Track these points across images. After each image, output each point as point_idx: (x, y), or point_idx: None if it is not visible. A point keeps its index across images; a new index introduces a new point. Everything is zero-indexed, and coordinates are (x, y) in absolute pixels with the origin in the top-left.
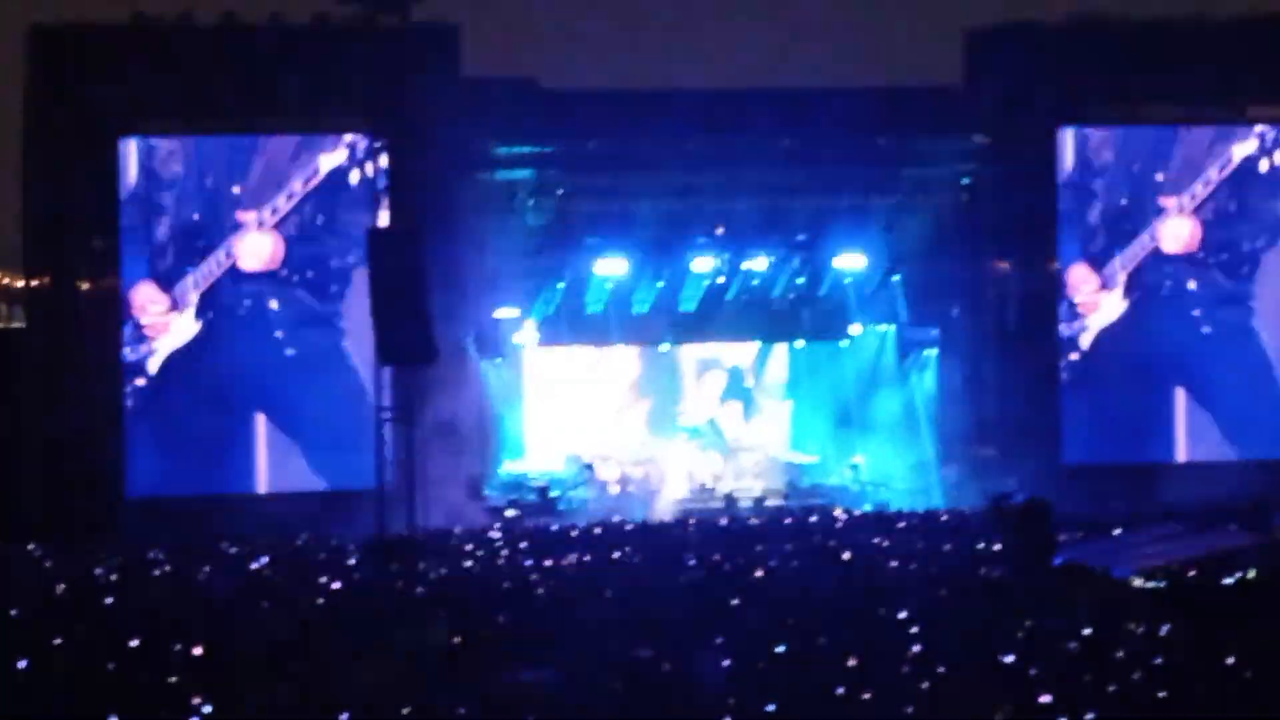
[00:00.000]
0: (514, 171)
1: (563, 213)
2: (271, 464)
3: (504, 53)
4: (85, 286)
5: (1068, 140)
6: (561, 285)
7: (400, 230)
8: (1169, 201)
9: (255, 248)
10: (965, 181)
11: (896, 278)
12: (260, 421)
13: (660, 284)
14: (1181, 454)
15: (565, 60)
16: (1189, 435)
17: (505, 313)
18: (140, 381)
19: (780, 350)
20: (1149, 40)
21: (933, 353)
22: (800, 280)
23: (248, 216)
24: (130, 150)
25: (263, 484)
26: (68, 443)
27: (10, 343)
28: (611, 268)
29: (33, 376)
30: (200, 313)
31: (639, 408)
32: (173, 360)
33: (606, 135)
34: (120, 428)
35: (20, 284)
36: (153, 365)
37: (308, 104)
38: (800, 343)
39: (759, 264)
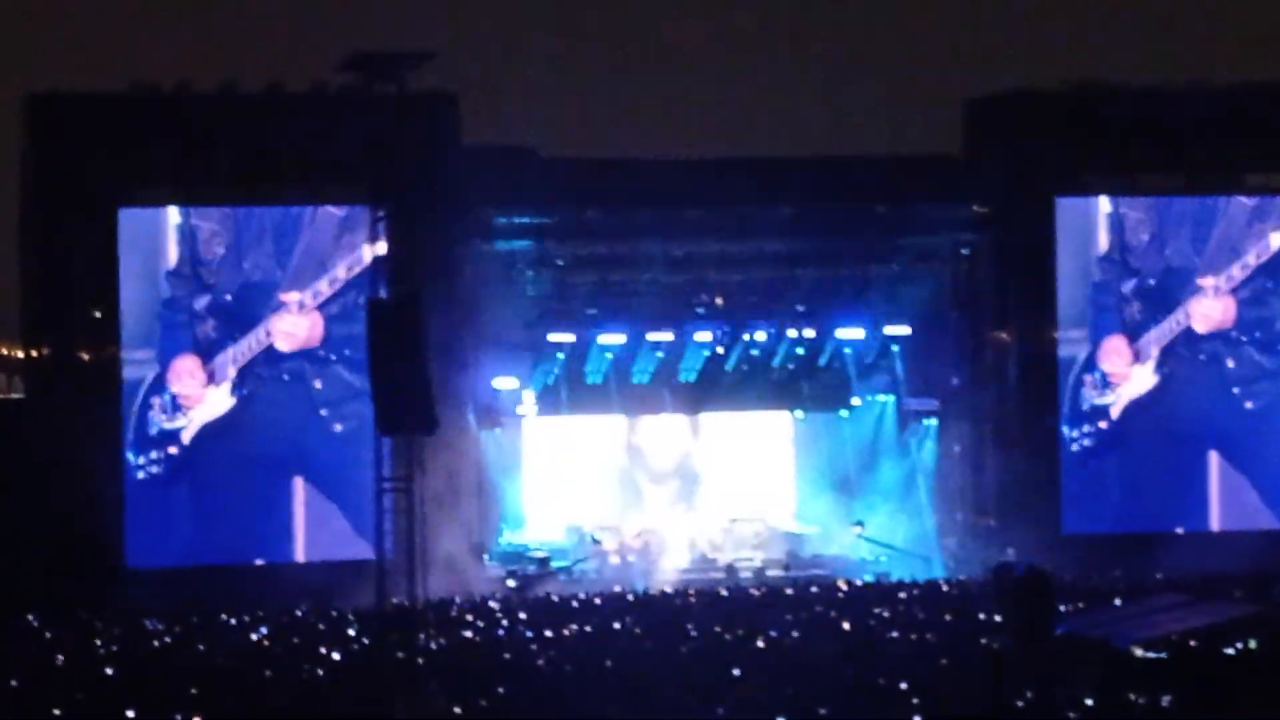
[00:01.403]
0: (513, 242)
1: (562, 283)
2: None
3: (502, 122)
4: (85, 357)
5: (1100, 212)
6: (561, 355)
7: (400, 300)
8: (1206, 281)
9: (292, 328)
10: (965, 251)
11: (896, 347)
12: (298, 487)
13: (660, 354)
14: (1214, 522)
15: (564, 129)
16: (1221, 503)
17: (505, 383)
18: (173, 450)
19: (781, 421)
20: (1148, 108)
21: (933, 422)
22: (800, 350)
23: (290, 297)
24: (170, 223)
25: (299, 551)
26: (67, 513)
27: (9, 413)
28: (611, 339)
29: (32, 447)
30: (236, 388)
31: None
32: (207, 431)
33: (605, 204)
34: (121, 497)
35: (19, 354)
36: (186, 435)
37: (306, 173)
38: (800, 413)
39: (759, 334)
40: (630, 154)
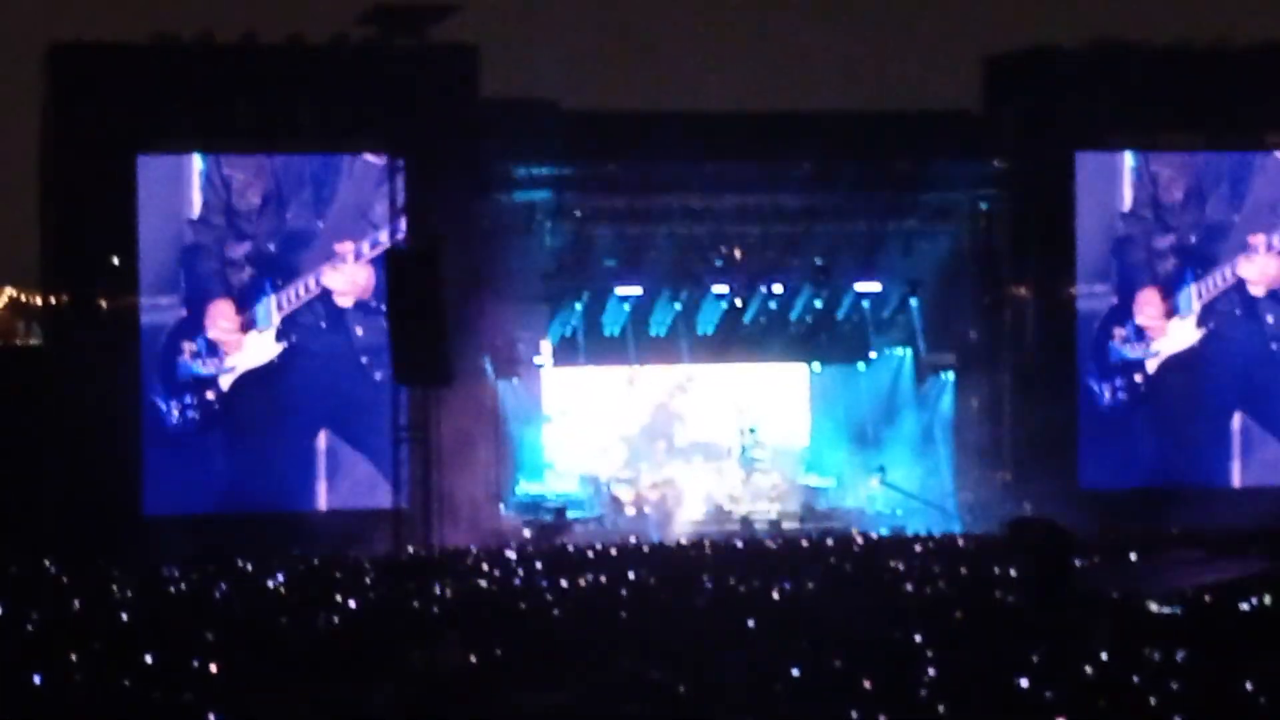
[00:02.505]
0: (532, 193)
1: (581, 235)
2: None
3: (523, 74)
4: (104, 304)
5: (1125, 167)
6: (579, 306)
7: (418, 251)
8: (1257, 239)
9: (352, 278)
10: (984, 206)
11: (914, 302)
12: (323, 435)
13: (678, 306)
14: (1236, 478)
15: (584, 82)
16: (1243, 459)
17: (523, 334)
18: (210, 395)
19: (798, 373)
20: (1169, 66)
21: (950, 376)
22: (818, 303)
23: (344, 248)
24: (194, 171)
25: (322, 501)
26: (85, 460)
27: (29, 360)
28: (629, 290)
29: (51, 394)
30: (281, 335)
31: (658, 429)
32: (248, 378)
33: (625, 157)
34: (139, 444)
35: (39, 301)
36: (225, 382)
37: (326, 124)
38: (817, 366)
39: (777, 287)
40: (650, 107)
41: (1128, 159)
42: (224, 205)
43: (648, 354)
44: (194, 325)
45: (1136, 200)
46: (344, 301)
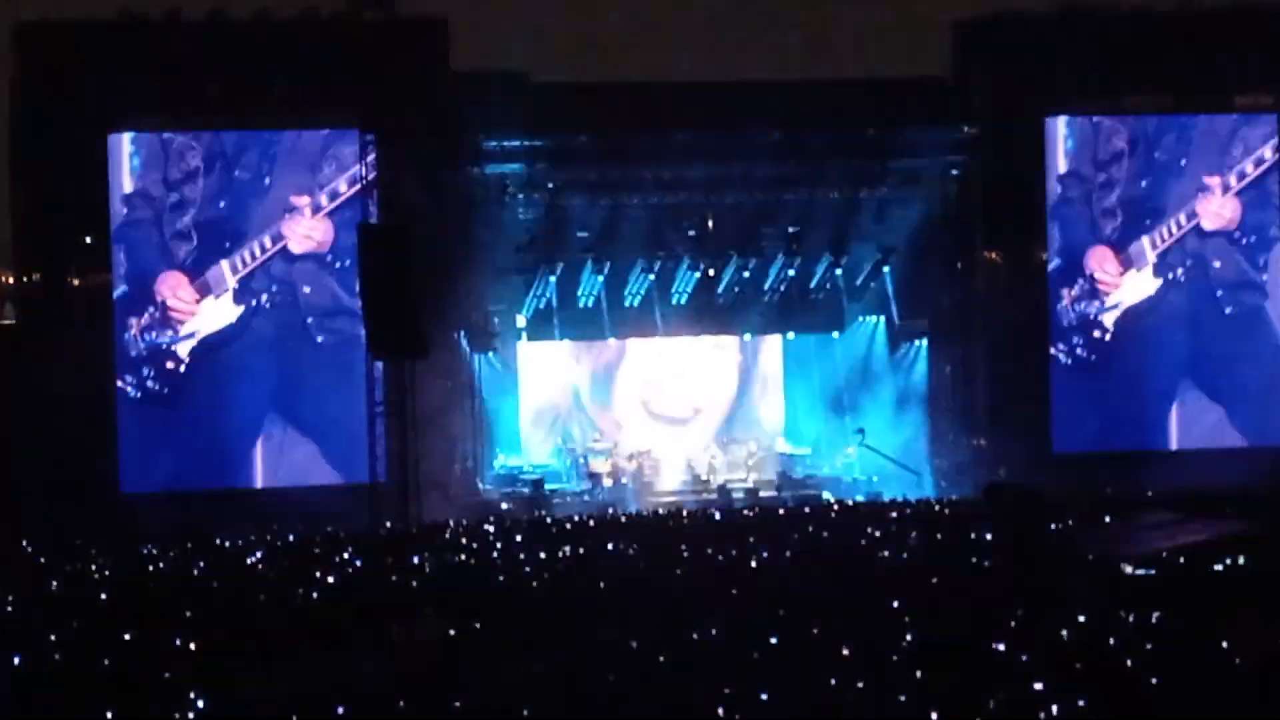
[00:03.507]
0: (503, 166)
1: (553, 207)
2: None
3: (492, 47)
4: (76, 282)
5: (1059, 129)
6: (553, 279)
7: (390, 224)
8: (1213, 180)
9: (309, 231)
10: (954, 173)
11: (887, 269)
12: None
13: (651, 277)
14: (1174, 443)
15: (554, 54)
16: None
17: (497, 307)
18: (170, 366)
19: (772, 342)
20: (1136, 29)
21: (923, 343)
22: (791, 273)
23: (301, 200)
24: (123, 146)
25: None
26: (61, 439)
27: (2, 340)
28: (602, 262)
29: (25, 373)
30: (240, 296)
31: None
32: (207, 344)
33: (596, 129)
34: (114, 423)
35: (10, 281)
36: (184, 351)
37: (296, 99)
38: (791, 335)
39: (749, 257)
40: (619, 79)
41: (1060, 126)
42: (161, 176)
43: (621, 325)
44: (138, 300)
45: (1077, 159)
46: (298, 249)
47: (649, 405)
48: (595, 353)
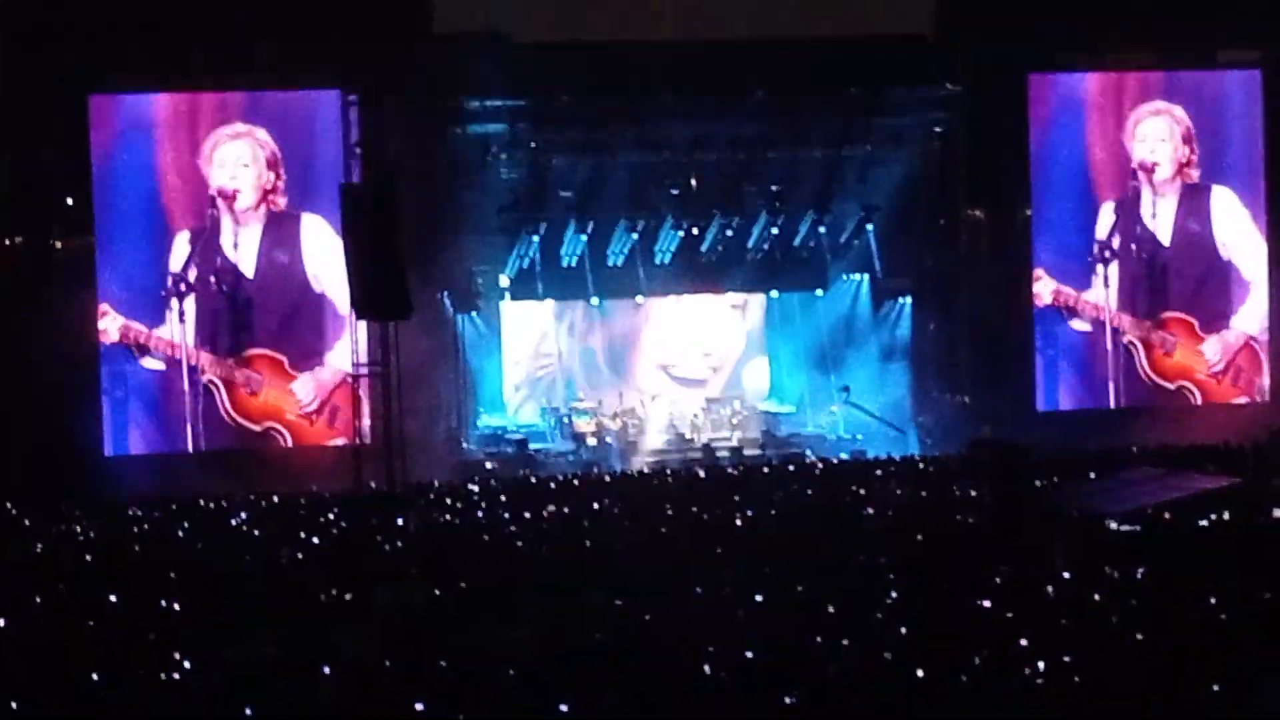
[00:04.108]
0: (486, 126)
1: (536, 167)
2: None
3: (475, 7)
4: (59, 245)
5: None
6: (536, 239)
7: (373, 184)
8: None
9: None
10: (937, 131)
11: (870, 227)
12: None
13: (635, 236)
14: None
15: (537, 14)
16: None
17: (481, 267)
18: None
19: (756, 301)
20: None
21: (907, 301)
22: (774, 231)
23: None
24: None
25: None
26: (45, 402)
27: None
28: (585, 221)
29: (7, 335)
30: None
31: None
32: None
33: (579, 89)
34: (98, 387)
35: None
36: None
37: (281, 61)
38: (775, 294)
39: (733, 216)
40: (603, 38)
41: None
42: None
43: (605, 285)
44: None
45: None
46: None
47: (670, 370)
48: (615, 316)
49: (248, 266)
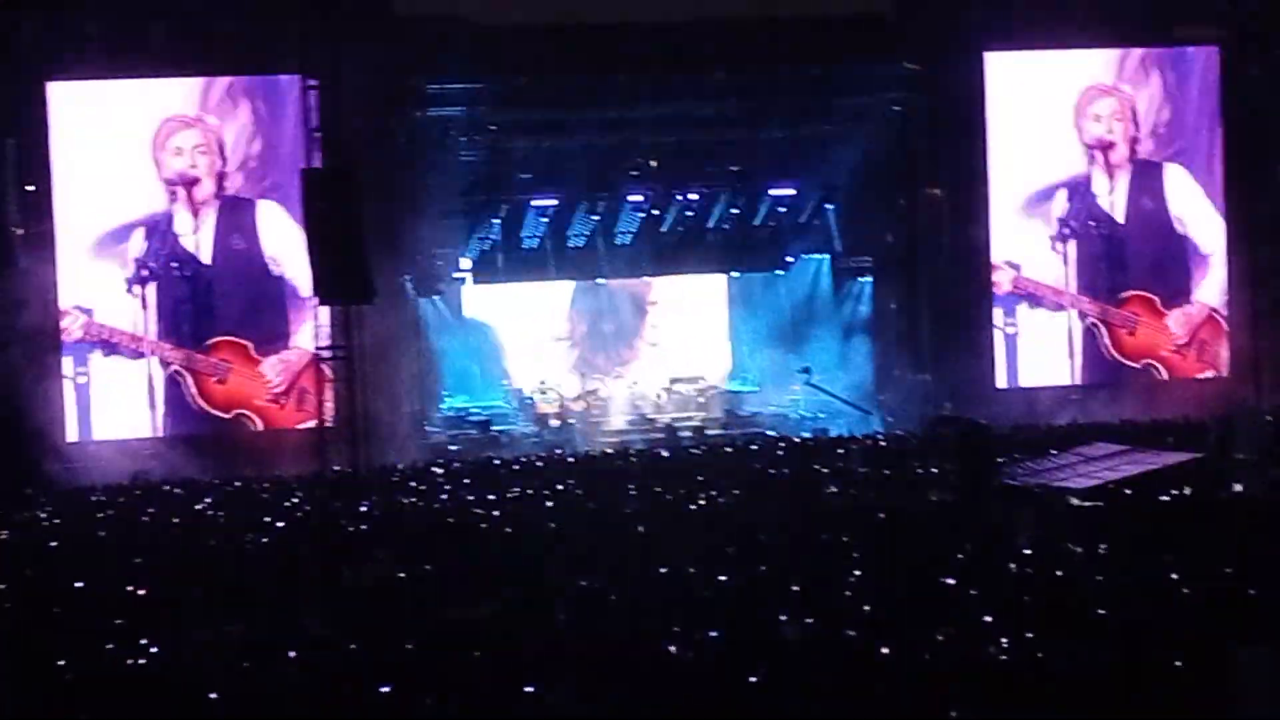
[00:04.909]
0: (446, 109)
1: (496, 149)
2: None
3: None
4: (20, 232)
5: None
6: (497, 221)
7: (333, 169)
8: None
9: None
10: (896, 109)
11: (830, 206)
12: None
13: (595, 217)
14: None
15: None
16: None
17: (442, 250)
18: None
19: (717, 281)
20: None
21: (868, 280)
22: (735, 211)
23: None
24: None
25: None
26: (7, 389)
27: None
28: (545, 203)
29: None
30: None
31: (579, 341)
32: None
33: (536, 71)
34: (60, 373)
35: None
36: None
37: (239, 45)
38: (735, 274)
39: (693, 196)
40: (561, 20)
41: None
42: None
43: (566, 266)
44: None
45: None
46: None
47: (631, 350)
48: (578, 297)
49: (205, 254)
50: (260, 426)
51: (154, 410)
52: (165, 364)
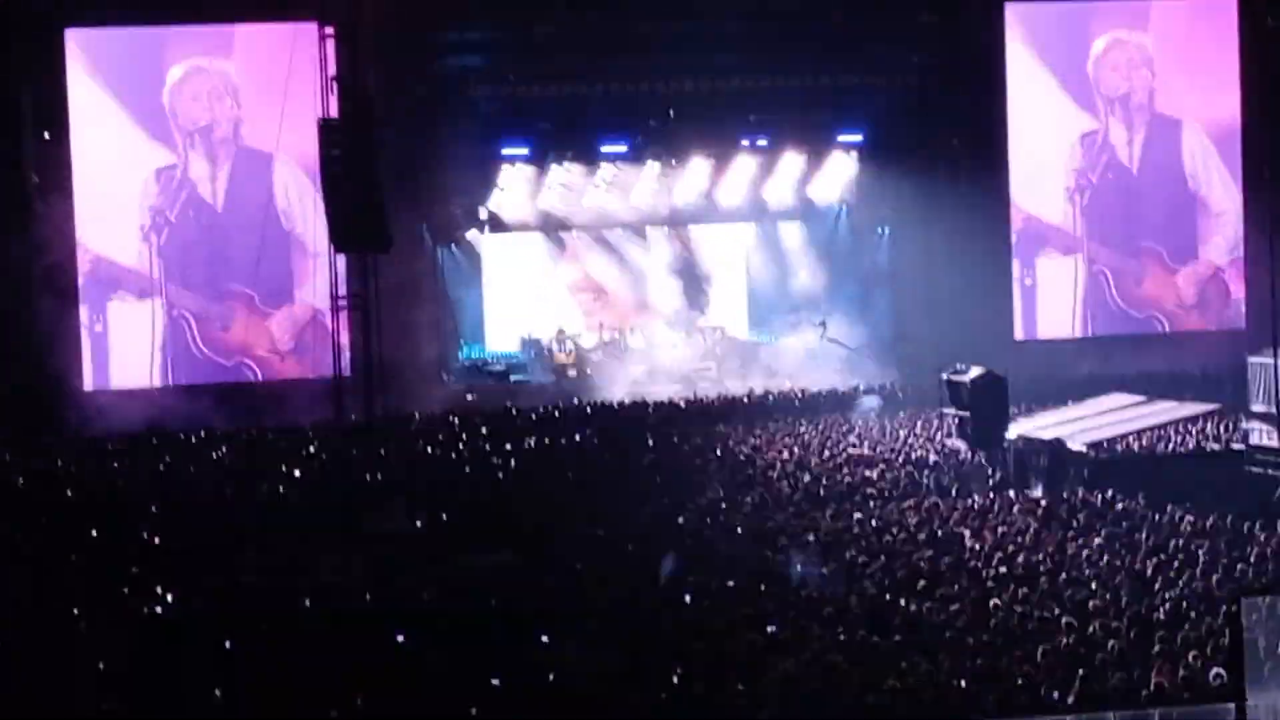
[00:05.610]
0: (464, 58)
1: (515, 99)
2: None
3: None
4: (37, 179)
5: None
6: (515, 170)
7: (350, 118)
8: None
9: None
10: (915, 61)
11: (851, 156)
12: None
13: (616, 168)
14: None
15: None
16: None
17: (460, 200)
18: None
19: (736, 231)
20: None
21: (886, 231)
22: (755, 161)
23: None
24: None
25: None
26: (25, 337)
27: None
28: (564, 152)
29: None
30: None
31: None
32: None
33: (557, 20)
34: (77, 322)
35: None
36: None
37: None
38: (754, 225)
39: (714, 145)
40: None
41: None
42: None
43: (584, 217)
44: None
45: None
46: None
47: (649, 301)
48: (595, 248)
49: (218, 201)
50: (259, 377)
51: (165, 356)
52: (172, 308)
